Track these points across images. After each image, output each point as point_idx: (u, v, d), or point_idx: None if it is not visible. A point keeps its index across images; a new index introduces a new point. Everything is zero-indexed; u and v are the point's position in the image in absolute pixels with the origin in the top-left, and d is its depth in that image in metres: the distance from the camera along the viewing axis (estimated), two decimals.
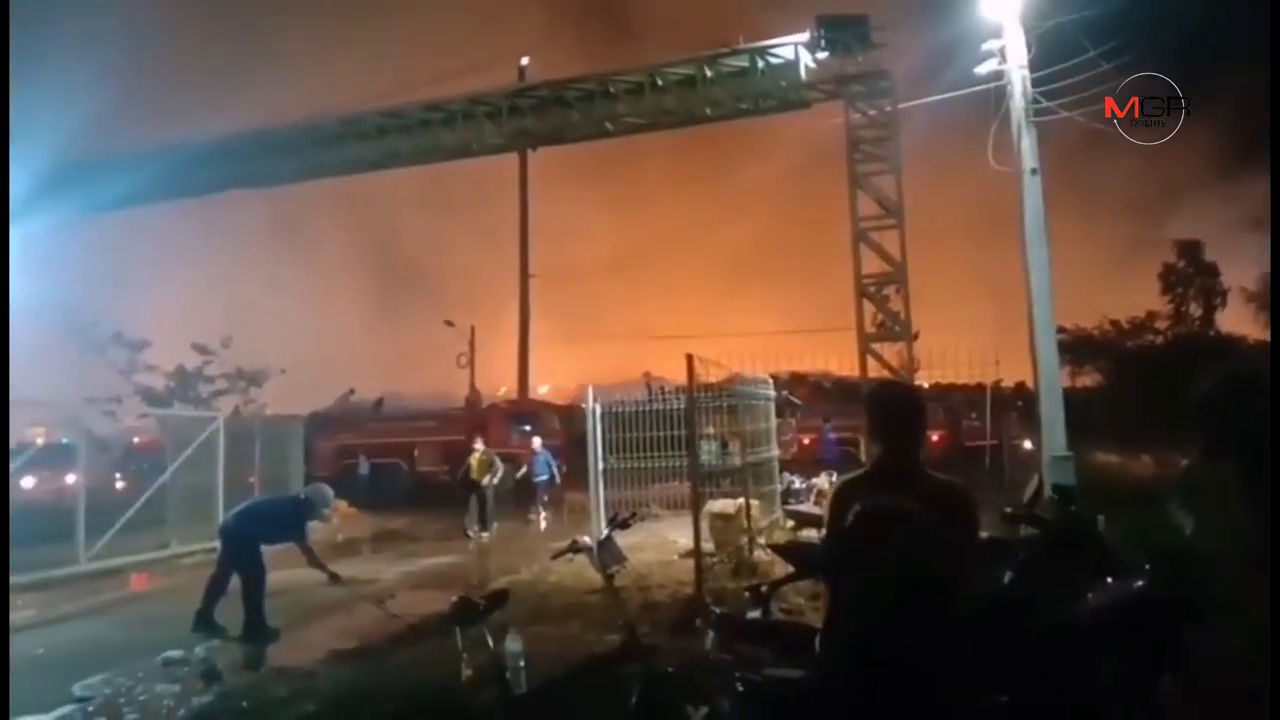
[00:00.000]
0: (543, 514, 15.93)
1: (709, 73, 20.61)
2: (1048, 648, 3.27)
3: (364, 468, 22.33)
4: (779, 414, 12.89)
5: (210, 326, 30.31)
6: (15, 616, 8.66)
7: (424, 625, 7.01)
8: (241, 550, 7.51)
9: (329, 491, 8.20)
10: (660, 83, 21.09)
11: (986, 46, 12.10)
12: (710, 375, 9.81)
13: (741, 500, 9.89)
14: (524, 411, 24.94)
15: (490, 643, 4.45)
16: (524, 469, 16.65)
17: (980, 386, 22.11)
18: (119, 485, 19.50)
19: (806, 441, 18.21)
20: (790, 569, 5.26)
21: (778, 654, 3.37)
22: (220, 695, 5.62)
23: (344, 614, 8.23)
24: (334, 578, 7.68)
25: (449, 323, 32.55)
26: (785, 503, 11.72)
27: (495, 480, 15.16)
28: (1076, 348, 30.62)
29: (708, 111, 21.64)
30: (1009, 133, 11.81)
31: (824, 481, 12.26)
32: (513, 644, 4.42)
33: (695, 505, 8.63)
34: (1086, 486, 10.09)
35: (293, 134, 24.40)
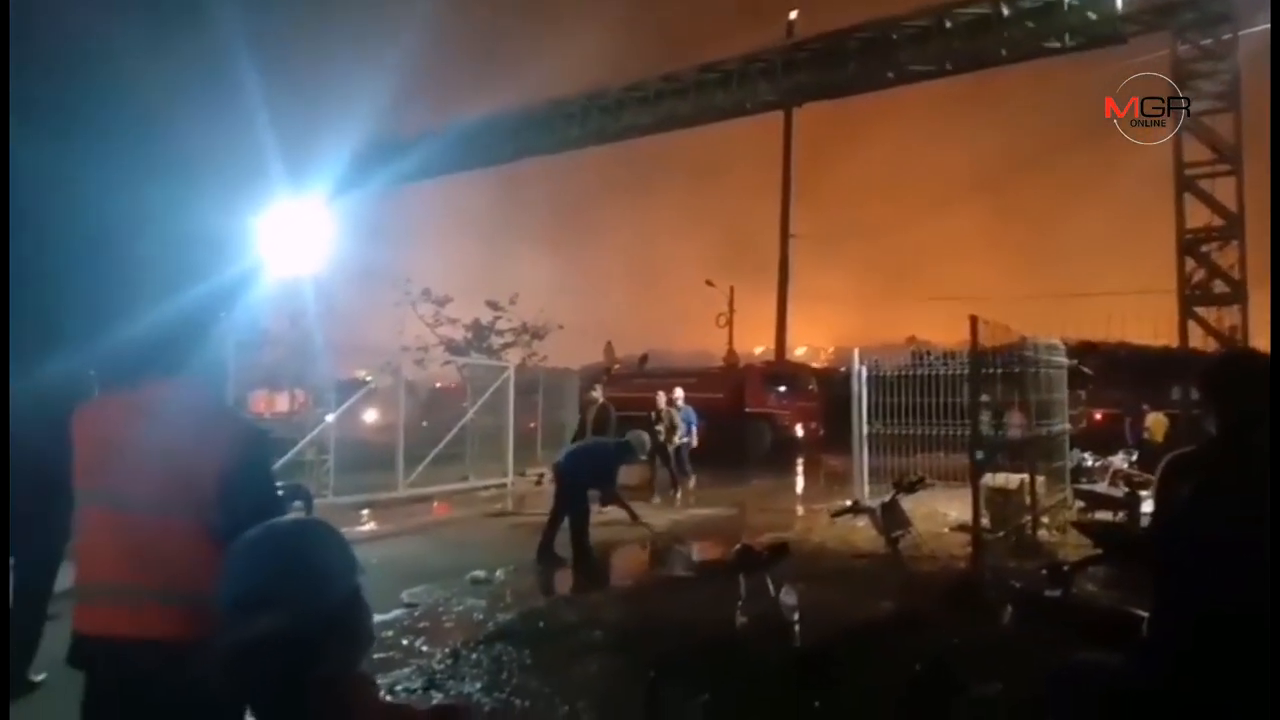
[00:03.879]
0: (690, 480, 14.19)
1: (1006, 11, 18.86)
2: None
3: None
4: (1069, 385, 11.72)
5: (499, 284, 33.00)
6: (357, 529, 10.26)
7: (702, 569, 7.32)
8: (570, 488, 8.17)
9: (646, 438, 8.88)
10: (949, 25, 19.67)
11: None
12: (991, 339, 9.17)
13: (1024, 475, 9.22)
14: (780, 373, 24.87)
15: (770, 593, 4.52)
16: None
17: None
18: (424, 425, 22.17)
19: (1099, 417, 16.42)
20: (1095, 549, 4.79)
21: (1081, 638, 3.12)
22: (521, 615, 6.24)
23: (625, 554, 8.94)
24: (634, 518, 8.47)
25: (709, 283, 33.15)
26: (1076, 481, 10.73)
27: (680, 439, 13.83)
28: None
29: (1003, 54, 19.95)
30: None
31: (1120, 461, 11.08)
32: (788, 598, 4.45)
33: (975, 477, 8.20)
34: None
35: (579, 102, 25.76)
